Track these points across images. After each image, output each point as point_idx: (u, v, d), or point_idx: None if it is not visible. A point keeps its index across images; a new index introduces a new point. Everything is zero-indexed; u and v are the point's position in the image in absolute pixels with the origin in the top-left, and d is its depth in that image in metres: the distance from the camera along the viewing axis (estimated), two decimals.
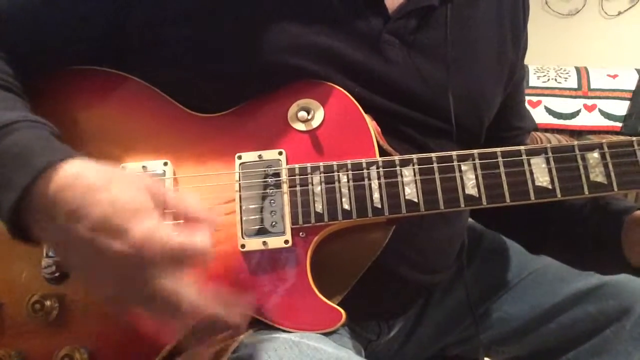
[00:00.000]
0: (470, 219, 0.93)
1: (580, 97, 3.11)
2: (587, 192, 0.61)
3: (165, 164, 0.65)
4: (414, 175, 0.62)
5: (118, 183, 0.50)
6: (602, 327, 0.80)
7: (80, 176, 0.50)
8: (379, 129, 0.66)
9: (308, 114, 0.65)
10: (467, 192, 0.61)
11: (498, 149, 0.62)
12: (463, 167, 0.62)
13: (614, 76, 3.14)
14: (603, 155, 0.61)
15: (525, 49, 0.87)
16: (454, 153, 0.62)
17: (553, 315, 0.83)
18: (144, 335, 0.58)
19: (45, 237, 0.52)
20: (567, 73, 3.17)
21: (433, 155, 0.62)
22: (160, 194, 0.52)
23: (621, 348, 0.78)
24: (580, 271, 0.84)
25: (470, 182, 0.61)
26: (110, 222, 0.48)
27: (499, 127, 0.84)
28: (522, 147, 0.62)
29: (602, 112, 3.06)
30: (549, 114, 3.05)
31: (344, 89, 0.66)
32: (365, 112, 0.65)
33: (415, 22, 0.71)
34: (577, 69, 3.19)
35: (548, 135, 3.13)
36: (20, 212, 0.50)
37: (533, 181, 0.61)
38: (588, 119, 3.07)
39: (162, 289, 0.49)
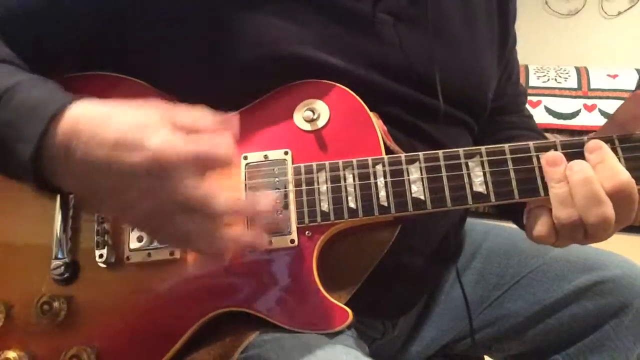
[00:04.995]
0: (473, 219, 0.93)
1: (580, 97, 3.11)
2: None
3: None
4: (421, 173, 0.61)
5: (127, 108, 0.52)
6: (601, 323, 0.80)
7: (88, 111, 0.52)
8: (385, 129, 0.66)
9: (314, 113, 0.65)
10: (475, 189, 0.61)
11: (506, 145, 0.61)
12: (470, 164, 0.61)
13: (614, 76, 3.15)
14: (614, 150, 0.59)
15: (515, 17, 0.87)
16: (460, 150, 0.62)
17: (552, 312, 0.84)
18: (147, 334, 0.59)
19: (67, 180, 0.53)
20: (567, 73, 3.17)
21: (440, 152, 0.62)
22: (169, 111, 0.52)
23: (620, 344, 0.79)
24: (580, 268, 0.84)
25: (478, 179, 0.61)
26: (125, 139, 0.49)
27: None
28: (530, 143, 0.61)
29: (602, 112, 3.06)
30: (549, 114, 3.05)
31: (345, 74, 0.65)
32: (370, 97, 0.65)
33: None
34: (577, 69, 3.20)
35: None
36: (39, 162, 0.51)
37: (542, 177, 0.60)
38: (588, 119, 3.07)
39: (191, 193, 0.50)
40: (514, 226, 0.87)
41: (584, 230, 0.59)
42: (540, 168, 0.60)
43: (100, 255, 0.63)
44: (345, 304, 0.62)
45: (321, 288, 0.61)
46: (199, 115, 0.53)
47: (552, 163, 0.59)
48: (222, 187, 0.62)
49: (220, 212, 0.51)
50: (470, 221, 0.92)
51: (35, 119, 0.52)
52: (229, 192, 0.52)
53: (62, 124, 0.51)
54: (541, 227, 0.61)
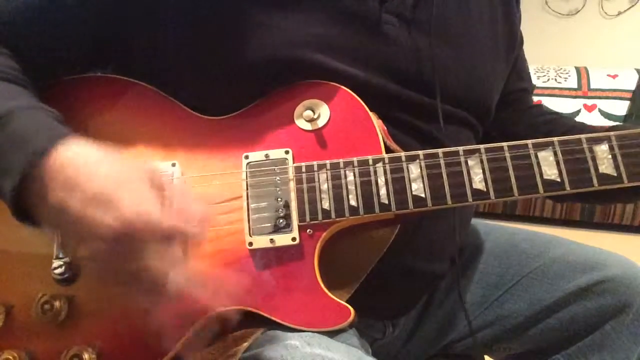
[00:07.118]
0: (473, 219, 0.94)
1: (580, 97, 3.11)
2: (596, 185, 0.60)
3: (174, 164, 0.65)
4: (421, 170, 0.62)
5: (114, 160, 0.51)
6: (602, 322, 0.80)
7: (76, 157, 0.51)
8: (385, 128, 0.66)
9: (314, 113, 0.65)
10: (474, 186, 0.61)
11: (504, 143, 0.62)
12: (470, 162, 0.62)
13: (614, 76, 3.15)
14: (611, 147, 0.60)
15: (520, 19, 0.87)
16: (460, 148, 0.62)
17: (553, 312, 0.84)
18: (149, 333, 0.59)
19: (45, 217, 0.53)
20: (567, 73, 3.18)
21: (439, 150, 0.62)
22: (158, 177, 0.52)
23: (620, 343, 0.78)
24: (580, 268, 0.84)
25: (477, 176, 0.61)
26: (102, 195, 0.48)
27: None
28: (529, 141, 0.61)
29: (602, 112, 3.06)
30: None
31: (350, 77, 0.66)
32: (374, 98, 0.65)
33: None
34: (577, 69, 3.20)
35: None
36: (21, 196, 0.51)
37: (541, 174, 0.60)
38: (588, 119, 3.07)
39: (148, 266, 0.50)
40: (515, 226, 0.87)
41: None
42: (538, 164, 0.61)
43: None
44: (346, 302, 0.62)
45: (323, 286, 0.62)
46: (188, 200, 0.53)
47: None
48: (222, 189, 0.63)
49: (168, 293, 0.52)
50: (471, 221, 0.92)
51: (22, 153, 0.51)
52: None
53: (48, 165, 0.50)
54: None
